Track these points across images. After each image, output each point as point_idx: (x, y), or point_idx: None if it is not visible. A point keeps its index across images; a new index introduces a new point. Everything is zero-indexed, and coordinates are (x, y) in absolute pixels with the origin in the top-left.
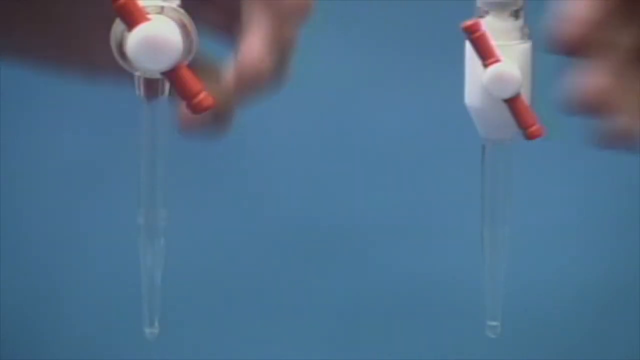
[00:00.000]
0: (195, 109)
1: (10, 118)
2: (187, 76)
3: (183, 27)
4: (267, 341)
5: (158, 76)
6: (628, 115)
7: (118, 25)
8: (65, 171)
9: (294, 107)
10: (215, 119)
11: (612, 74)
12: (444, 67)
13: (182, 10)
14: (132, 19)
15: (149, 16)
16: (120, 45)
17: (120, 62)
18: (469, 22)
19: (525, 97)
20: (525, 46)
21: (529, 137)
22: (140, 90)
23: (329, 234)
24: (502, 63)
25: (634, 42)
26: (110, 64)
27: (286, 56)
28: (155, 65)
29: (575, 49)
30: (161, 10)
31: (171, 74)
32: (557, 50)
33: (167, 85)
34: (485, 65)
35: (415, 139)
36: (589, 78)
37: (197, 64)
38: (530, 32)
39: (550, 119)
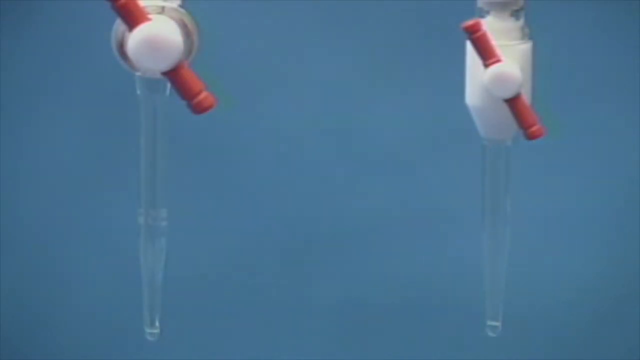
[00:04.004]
0: (196, 108)
1: (10, 118)
2: (188, 76)
3: (184, 27)
4: (267, 341)
5: (159, 76)
6: None
7: (119, 25)
8: (66, 171)
9: (294, 106)
10: None
11: None
12: (444, 67)
13: (183, 10)
14: (132, 19)
15: (150, 16)
16: (121, 45)
17: (121, 62)
18: (469, 22)
19: (526, 97)
20: (526, 46)
21: (529, 137)
22: (140, 90)
23: (329, 233)
24: (503, 63)
25: None
26: None
27: None
28: (156, 65)
29: None
30: (162, 10)
31: (172, 74)
32: None
33: (167, 85)
34: (486, 65)
35: (415, 138)
36: None
37: None
38: (530, 32)
39: (550, 119)
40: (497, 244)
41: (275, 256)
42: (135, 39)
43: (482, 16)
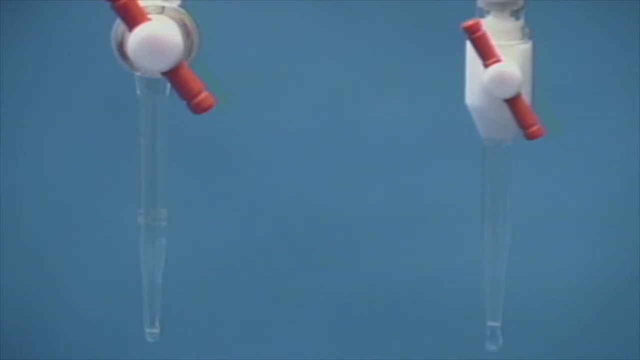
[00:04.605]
0: (196, 108)
1: (11, 118)
2: (188, 76)
3: (184, 27)
4: (267, 341)
5: (159, 76)
6: None
7: (119, 25)
8: (65, 171)
9: (294, 106)
10: None
11: None
12: (444, 67)
13: (183, 10)
14: (132, 19)
15: (150, 16)
16: (121, 45)
17: (121, 62)
18: (469, 22)
19: (526, 97)
20: (526, 46)
21: (529, 137)
22: (140, 90)
23: (329, 233)
24: (503, 63)
25: None
26: None
27: None
28: (156, 66)
29: None
30: (162, 10)
31: (172, 74)
32: None
33: (167, 85)
34: (486, 65)
35: (415, 138)
36: None
37: None
38: (530, 32)
39: (550, 119)
40: (497, 244)
41: (276, 255)
42: (135, 39)
43: (482, 16)
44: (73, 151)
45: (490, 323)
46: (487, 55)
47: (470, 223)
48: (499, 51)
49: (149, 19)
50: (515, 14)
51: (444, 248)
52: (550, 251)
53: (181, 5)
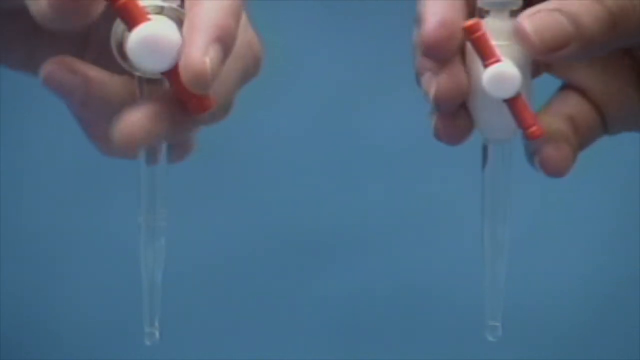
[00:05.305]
0: (195, 109)
1: (10, 118)
2: None
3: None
4: (267, 341)
5: (158, 76)
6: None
7: (118, 26)
8: (65, 170)
9: (293, 108)
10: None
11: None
12: None
13: (182, 10)
14: (132, 19)
15: (149, 16)
16: (121, 45)
17: (121, 62)
18: (469, 22)
19: (525, 97)
20: None
21: (529, 137)
22: (140, 91)
23: (329, 235)
24: (502, 63)
25: None
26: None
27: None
28: (155, 65)
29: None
30: (161, 10)
31: (171, 73)
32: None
33: (167, 85)
34: (485, 66)
35: (414, 138)
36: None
37: None
38: None
39: None
40: (497, 244)
41: (274, 257)
42: (134, 39)
43: (482, 16)
44: (73, 151)
45: (490, 323)
46: (486, 55)
47: (469, 224)
48: (498, 51)
49: (149, 19)
50: (515, 14)
51: (443, 248)
52: (550, 251)
53: (180, 5)
